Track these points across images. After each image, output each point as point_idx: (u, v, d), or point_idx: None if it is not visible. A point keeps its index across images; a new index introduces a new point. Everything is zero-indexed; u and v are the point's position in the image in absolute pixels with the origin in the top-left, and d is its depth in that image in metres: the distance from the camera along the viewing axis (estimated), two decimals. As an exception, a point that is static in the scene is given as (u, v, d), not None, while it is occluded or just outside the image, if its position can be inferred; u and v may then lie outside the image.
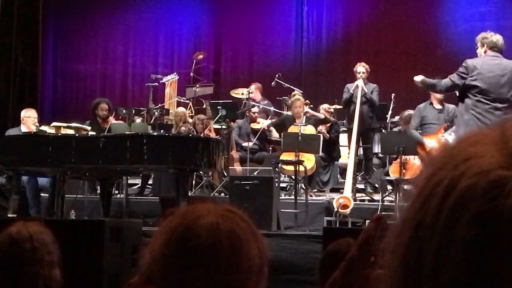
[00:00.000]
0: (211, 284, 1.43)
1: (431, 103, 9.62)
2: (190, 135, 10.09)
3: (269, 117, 11.81)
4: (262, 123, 11.50)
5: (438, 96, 9.47)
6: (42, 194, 9.66)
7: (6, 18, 13.01)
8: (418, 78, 8.28)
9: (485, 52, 7.88)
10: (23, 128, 9.96)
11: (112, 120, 10.72)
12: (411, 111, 10.12)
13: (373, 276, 0.78)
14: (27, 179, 9.52)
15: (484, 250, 0.66)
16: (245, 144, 11.10)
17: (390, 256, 0.73)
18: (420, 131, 9.46)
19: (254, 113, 11.76)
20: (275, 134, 10.93)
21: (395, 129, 10.81)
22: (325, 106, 11.27)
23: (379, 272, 0.74)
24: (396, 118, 11.20)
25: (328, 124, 10.68)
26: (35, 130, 9.42)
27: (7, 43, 13.06)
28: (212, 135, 10.70)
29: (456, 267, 0.67)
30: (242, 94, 12.04)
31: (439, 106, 9.60)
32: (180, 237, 1.45)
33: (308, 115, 10.61)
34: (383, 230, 0.78)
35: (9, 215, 8.22)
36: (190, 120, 11.34)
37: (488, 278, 0.66)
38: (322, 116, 10.71)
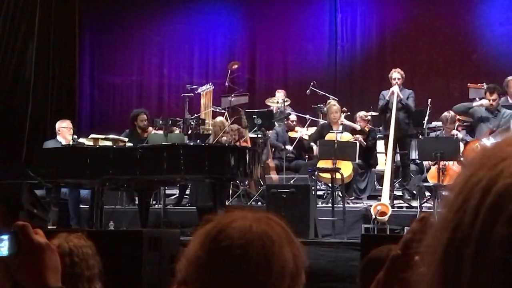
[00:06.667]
0: (243, 284, 1.44)
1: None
2: (226, 145, 10.12)
3: (306, 125, 11.80)
4: (300, 132, 11.50)
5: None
6: (81, 206, 9.76)
7: (43, 32, 13.20)
8: None
9: None
10: (60, 139, 10.08)
11: (152, 130, 10.84)
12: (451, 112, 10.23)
13: (415, 279, 0.78)
14: (69, 190, 9.63)
15: None
16: (287, 147, 11.16)
17: (429, 257, 0.73)
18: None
19: (292, 121, 11.77)
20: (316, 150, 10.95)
21: (433, 134, 10.72)
22: (362, 114, 11.21)
23: (420, 272, 0.74)
24: (434, 123, 11.11)
25: (364, 134, 10.65)
26: (72, 140, 9.53)
27: (45, 57, 13.24)
28: (248, 145, 10.71)
29: (495, 266, 0.66)
30: (277, 102, 12.05)
31: (495, 111, 9.69)
32: (214, 239, 1.48)
33: (344, 124, 10.60)
34: (428, 230, 0.78)
35: (48, 227, 8.30)
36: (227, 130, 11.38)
37: None
38: (358, 128, 10.68)
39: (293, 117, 11.88)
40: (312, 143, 10.98)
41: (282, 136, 11.47)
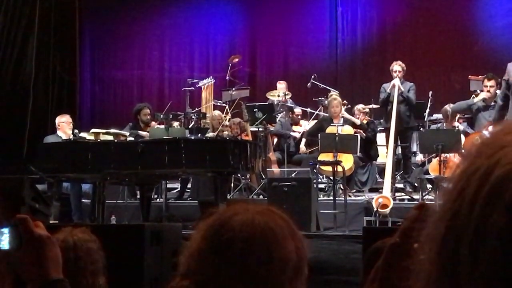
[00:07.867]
0: (244, 276, 1.44)
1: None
2: (228, 138, 10.12)
3: (311, 119, 11.79)
4: (304, 127, 11.50)
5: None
6: (83, 200, 9.78)
7: (44, 27, 13.19)
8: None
9: None
10: (60, 134, 10.09)
11: (155, 125, 10.85)
12: (451, 105, 10.20)
13: (413, 267, 0.78)
14: (71, 185, 9.64)
15: None
16: (292, 134, 11.29)
17: (428, 245, 0.72)
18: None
19: (297, 115, 11.77)
20: (302, 148, 10.96)
21: (434, 127, 10.71)
22: (360, 106, 11.21)
23: (419, 260, 0.74)
24: (435, 116, 11.11)
25: (364, 129, 10.65)
26: (72, 135, 9.54)
27: (45, 52, 13.23)
28: (248, 138, 10.70)
29: (492, 255, 0.66)
30: (278, 96, 12.04)
31: (492, 103, 9.70)
32: (216, 231, 1.48)
33: (344, 117, 10.59)
34: (426, 218, 0.77)
35: (50, 222, 8.31)
36: (227, 124, 11.37)
37: None
38: (358, 122, 10.67)
39: (298, 110, 11.88)
40: (303, 138, 11.00)
41: (285, 127, 11.50)
